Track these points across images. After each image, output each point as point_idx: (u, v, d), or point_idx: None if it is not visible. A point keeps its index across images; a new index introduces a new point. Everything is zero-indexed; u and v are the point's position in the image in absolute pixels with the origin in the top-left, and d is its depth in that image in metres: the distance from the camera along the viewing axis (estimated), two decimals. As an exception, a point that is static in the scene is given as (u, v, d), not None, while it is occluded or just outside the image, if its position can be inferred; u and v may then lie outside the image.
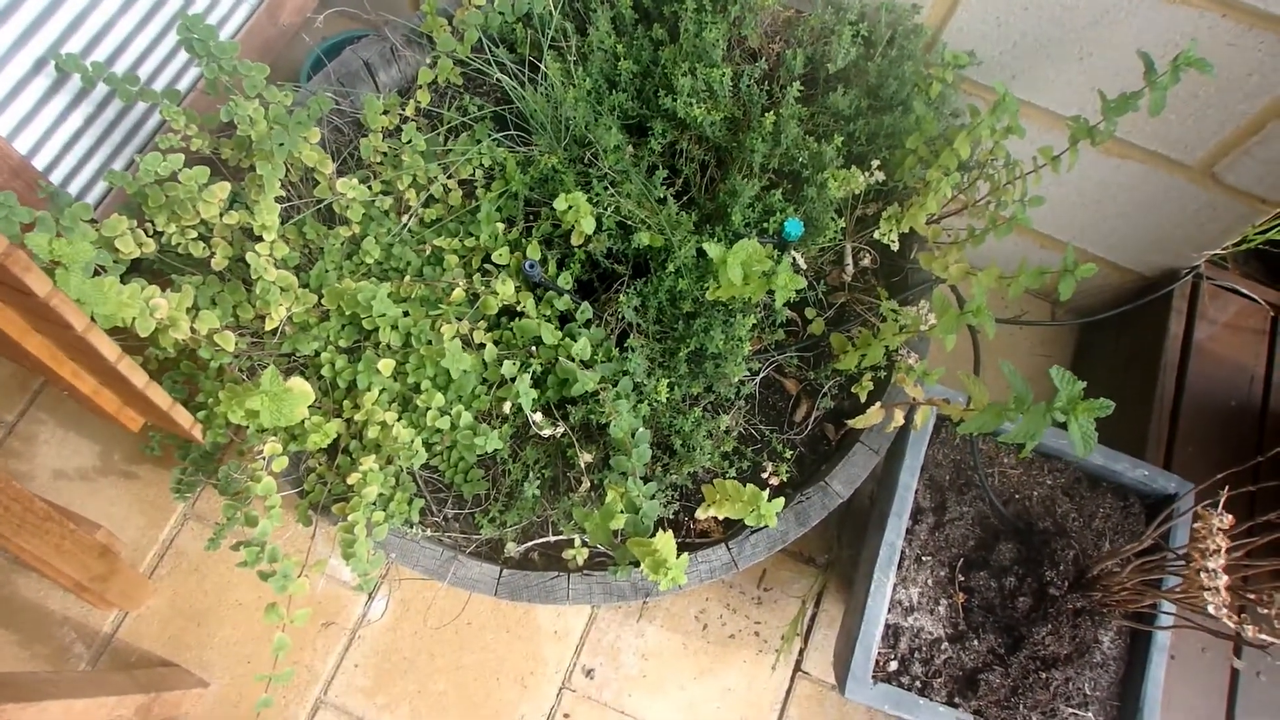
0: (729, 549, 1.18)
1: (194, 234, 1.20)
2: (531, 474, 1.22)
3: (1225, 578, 0.87)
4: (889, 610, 1.23)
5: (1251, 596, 0.91)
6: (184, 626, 1.49)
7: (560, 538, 1.21)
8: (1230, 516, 0.89)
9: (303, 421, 1.10)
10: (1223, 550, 0.87)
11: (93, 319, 0.91)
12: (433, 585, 1.53)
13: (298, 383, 1.04)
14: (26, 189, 1.26)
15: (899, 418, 1.16)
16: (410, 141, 1.28)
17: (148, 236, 1.17)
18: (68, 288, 0.90)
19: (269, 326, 1.16)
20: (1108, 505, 1.34)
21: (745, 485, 1.06)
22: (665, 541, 0.98)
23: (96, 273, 1.03)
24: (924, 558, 1.28)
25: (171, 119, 1.23)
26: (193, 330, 1.11)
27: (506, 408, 1.20)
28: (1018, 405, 0.90)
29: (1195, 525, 0.91)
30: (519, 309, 1.23)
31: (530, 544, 1.22)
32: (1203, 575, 0.86)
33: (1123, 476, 1.32)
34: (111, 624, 1.48)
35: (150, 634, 1.48)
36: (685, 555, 0.98)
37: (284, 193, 1.27)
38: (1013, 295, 1.15)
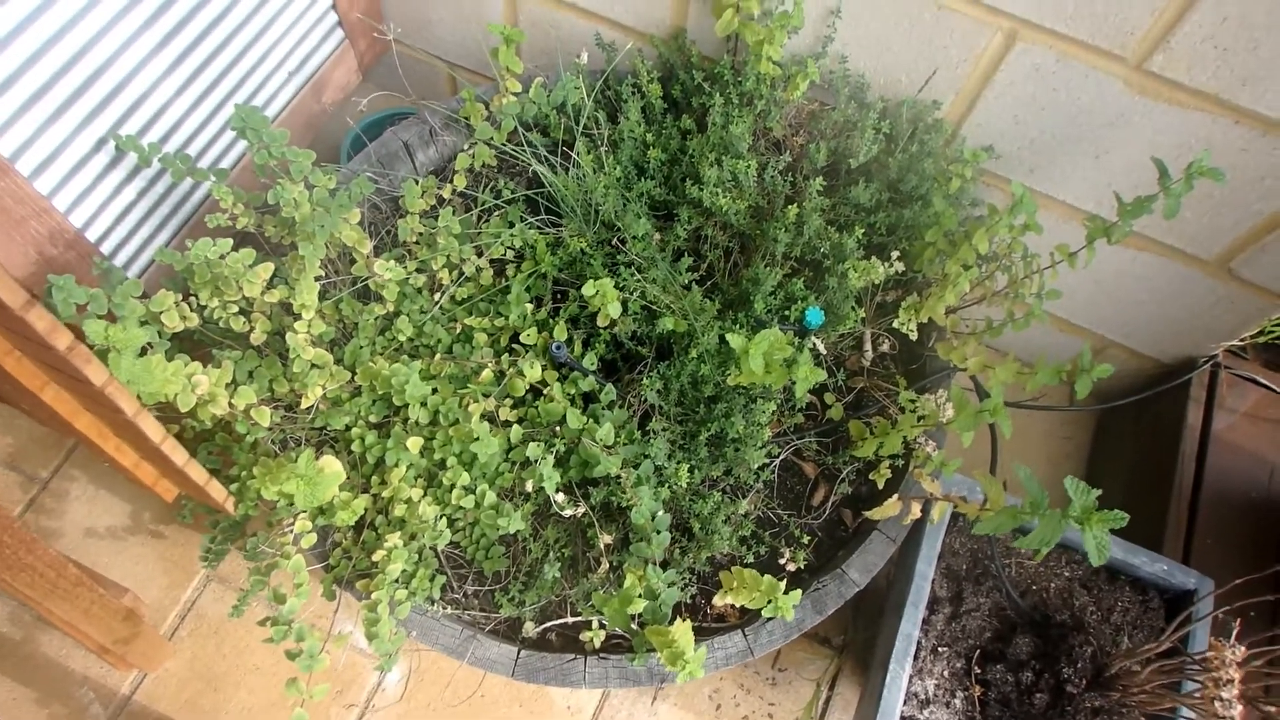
0: (745, 636, 1.18)
1: (235, 309, 1.25)
2: (551, 553, 1.24)
3: (1240, 707, 0.87)
4: (904, 702, 1.22)
5: (1272, 709, 0.90)
6: (201, 690, 1.50)
7: (578, 619, 1.22)
8: (1243, 648, 0.90)
9: (332, 499, 1.13)
10: (1236, 681, 0.87)
11: (139, 397, 0.94)
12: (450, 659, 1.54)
13: (330, 463, 1.07)
14: (80, 260, 1.32)
15: (915, 511, 1.17)
16: (446, 225, 1.33)
17: (191, 311, 1.22)
18: (118, 370, 0.94)
19: (304, 404, 1.20)
20: (1126, 599, 1.33)
21: (762, 575, 1.07)
22: (683, 632, 0.99)
23: (143, 350, 1.08)
24: (940, 648, 1.28)
25: (221, 197, 1.28)
26: (230, 405, 1.15)
27: (529, 486, 1.22)
28: (1033, 509, 0.91)
29: (1209, 654, 0.91)
30: (544, 388, 1.26)
31: (548, 624, 1.23)
32: (1217, 705, 0.86)
33: (1141, 570, 1.32)
34: (130, 685, 1.50)
35: (167, 696, 1.49)
36: (703, 648, 0.99)
37: (322, 271, 1.31)
38: (1030, 389, 1.17)
